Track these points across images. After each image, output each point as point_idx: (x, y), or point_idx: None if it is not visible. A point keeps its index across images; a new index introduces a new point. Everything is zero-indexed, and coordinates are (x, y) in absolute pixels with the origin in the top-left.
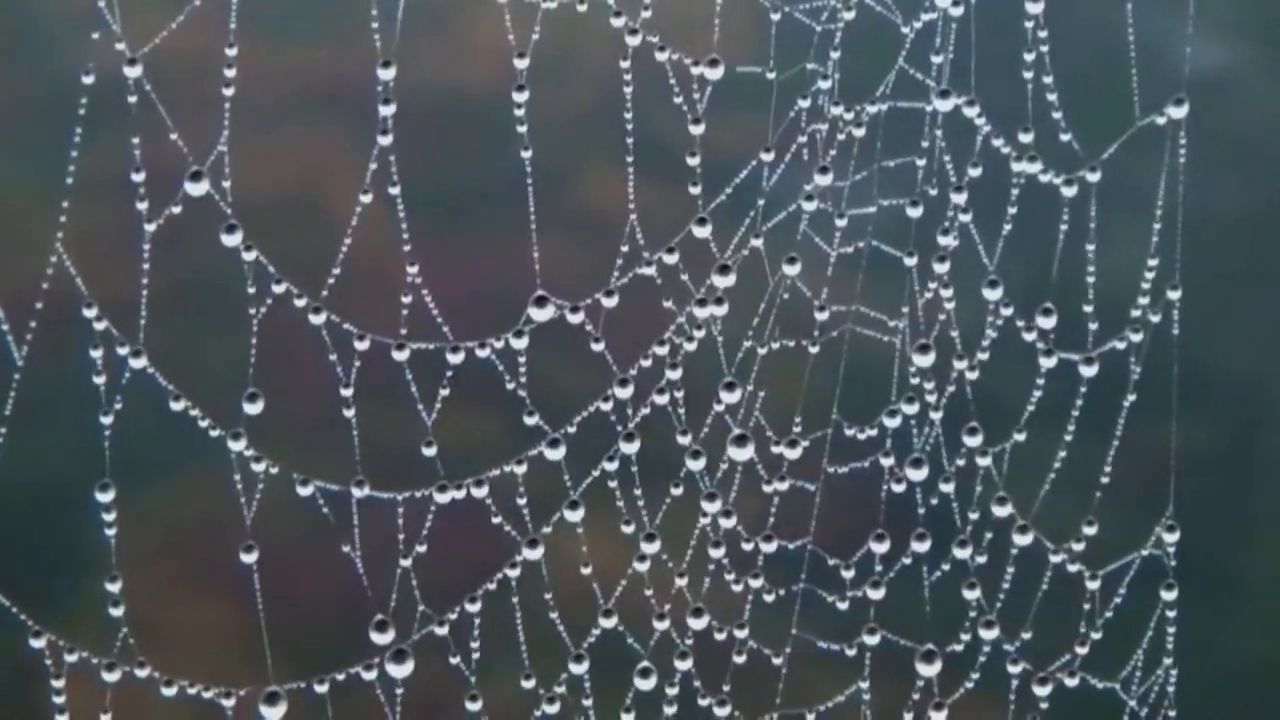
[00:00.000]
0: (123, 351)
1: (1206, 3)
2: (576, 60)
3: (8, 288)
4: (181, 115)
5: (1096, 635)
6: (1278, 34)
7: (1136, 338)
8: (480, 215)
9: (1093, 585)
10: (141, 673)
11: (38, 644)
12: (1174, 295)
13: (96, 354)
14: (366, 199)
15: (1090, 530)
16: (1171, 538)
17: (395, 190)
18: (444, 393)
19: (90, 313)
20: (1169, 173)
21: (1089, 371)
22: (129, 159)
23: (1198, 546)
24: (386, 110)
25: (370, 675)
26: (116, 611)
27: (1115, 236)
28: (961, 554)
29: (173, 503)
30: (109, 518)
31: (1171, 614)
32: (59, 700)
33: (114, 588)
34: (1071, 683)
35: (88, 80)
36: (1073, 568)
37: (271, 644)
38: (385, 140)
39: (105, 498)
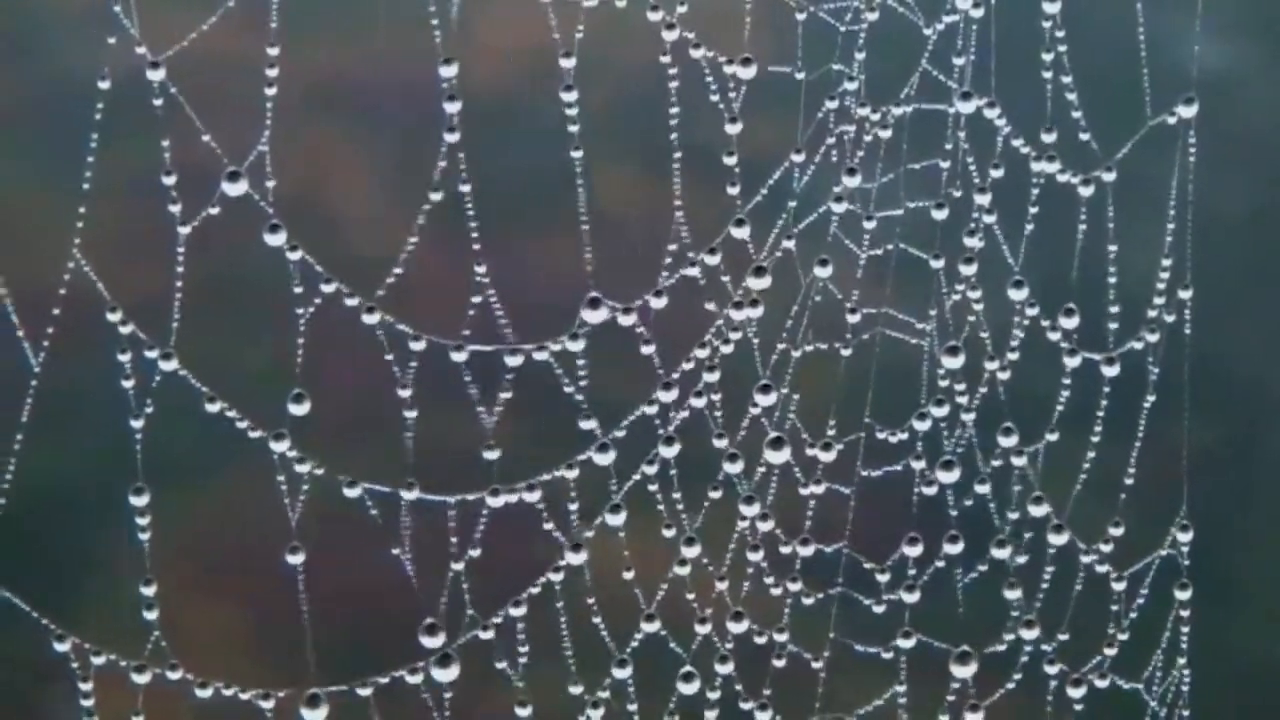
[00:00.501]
0: (152, 354)
1: (1215, 2)
2: (609, 58)
3: (29, 293)
4: (207, 117)
5: (1124, 636)
6: (1267, 34)
7: (1152, 338)
8: (517, 216)
9: (1119, 586)
10: (174, 675)
11: (63, 648)
12: (1185, 295)
13: (125, 358)
14: (437, 197)
15: (1117, 531)
16: (1185, 537)
17: (466, 188)
18: (505, 395)
19: (115, 316)
20: (1180, 171)
21: (1111, 371)
22: (149, 162)
23: (1212, 546)
24: (452, 108)
25: (416, 679)
26: (151, 615)
27: (1128, 236)
28: (999, 554)
29: (213, 505)
30: (143, 521)
31: (1186, 614)
32: (87, 704)
33: (149, 591)
34: (1102, 684)
35: (104, 85)
36: (1101, 568)
37: (309, 646)
38: (452, 138)
39: (140, 501)
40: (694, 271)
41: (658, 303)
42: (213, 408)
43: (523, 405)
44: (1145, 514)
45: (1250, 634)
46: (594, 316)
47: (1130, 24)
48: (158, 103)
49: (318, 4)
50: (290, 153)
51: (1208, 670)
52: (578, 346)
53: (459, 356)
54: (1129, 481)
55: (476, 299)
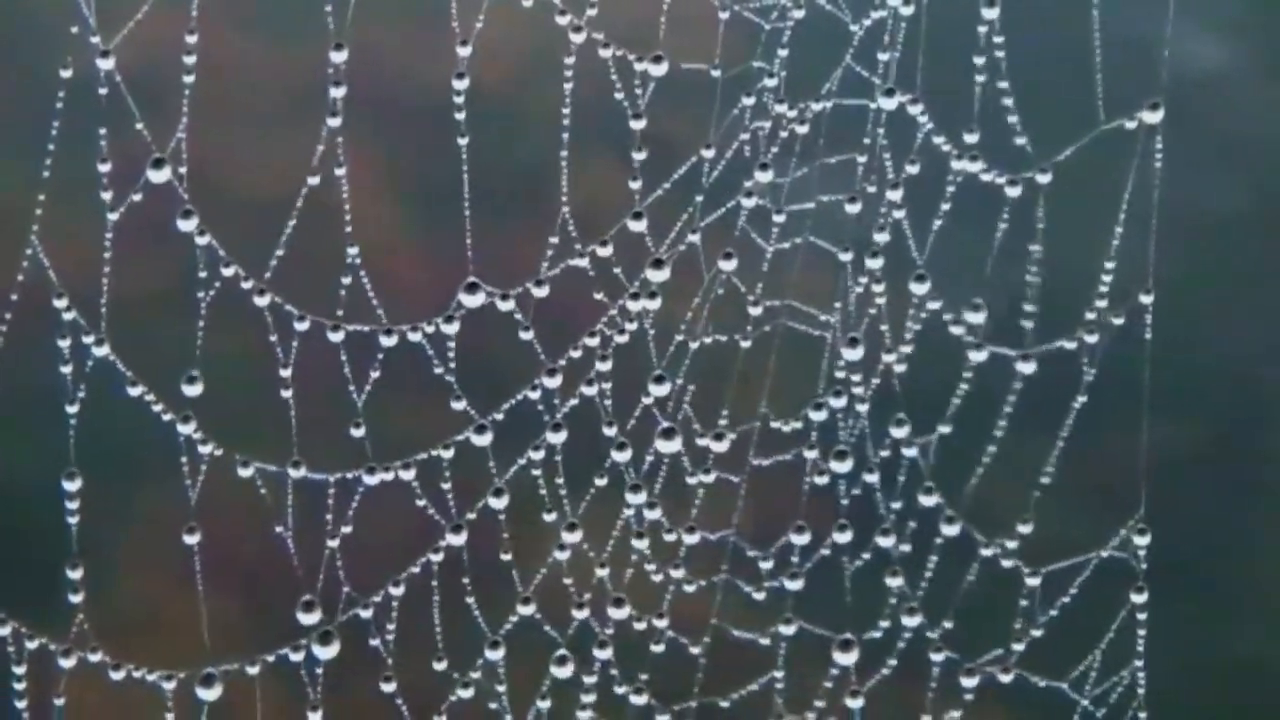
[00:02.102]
0: (88, 340)
1: (1186, 5)
2: (522, 53)
3: None
4: (159, 107)
5: (1037, 632)
6: (1258, 35)
7: (1091, 339)
8: (431, 205)
9: (1033, 582)
10: (94, 658)
11: (2, 631)
12: (1147, 299)
13: (64, 343)
14: (314, 181)
15: (1025, 528)
16: (1142, 540)
17: (341, 172)
18: (375, 375)
19: (61, 303)
20: (1144, 175)
21: (1027, 369)
22: (101, 150)
23: (1172, 548)
24: (337, 92)
25: (297, 657)
26: (76, 598)
27: (1094, 239)
28: (885, 543)
29: (144, 488)
30: (73, 505)
31: (1142, 616)
32: (19, 687)
33: (75, 575)
34: (1005, 679)
35: (66, 74)
36: (1007, 563)
37: (216, 624)
38: (334, 122)
39: (72, 486)
40: (581, 262)
41: (539, 291)
42: (134, 391)
43: (427, 388)
44: (1106, 517)
45: (1218, 635)
46: (472, 301)
47: (1104, 26)
48: (103, 91)
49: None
50: (260, 144)
51: (1172, 671)
52: (452, 329)
53: (336, 336)
54: (1044, 480)
55: (346, 279)
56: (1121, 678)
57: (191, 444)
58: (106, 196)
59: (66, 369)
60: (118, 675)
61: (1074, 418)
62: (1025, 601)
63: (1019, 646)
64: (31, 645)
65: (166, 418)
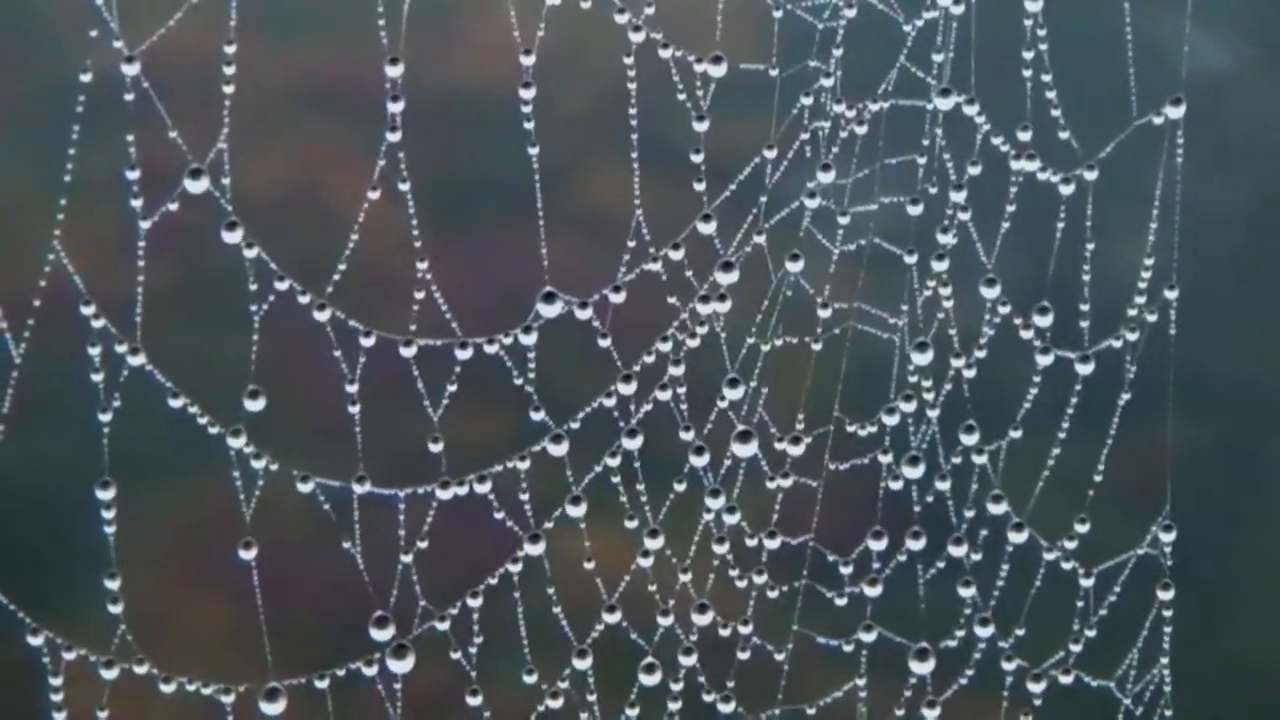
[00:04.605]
0: (121, 349)
1: (1205, 2)
2: (580, 57)
3: (7, 286)
4: (182, 113)
5: (1091, 633)
6: (1276, 33)
7: (1133, 336)
8: (487, 213)
9: (1087, 583)
10: (140, 669)
11: (35, 641)
12: (1171, 295)
13: (95, 351)
14: (374, 195)
15: (1082, 528)
16: (1168, 537)
17: (405, 186)
18: (452, 389)
19: (89, 310)
20: (1167, 172)
21: (1085, 370)
22: (128, 157)
23: (1195, 546)
24: (395, 107)
25: (371, 671)
26: (115, 609)
27: (1115, 235)
28: (957, 552)
29: (179, 500)
30: (109, 515)
31: (1168, 613)
32: (57, 698)
33: (113, 585)
34: (1066, 680)
35: (85, 78)
36: (1066, 565)
37: (276, 641)
38: (394, 137)
39: (105, 495)
40: (655, 267)
41: (616, 298)
42: (176, 403)
43: (488, 399)
44: (1131, 514)
45: (1240, 632)
46: (550, 311)
47: (1122, 25)
48: (129, 97)
49: (290, 5)
50: (292, 150)
51: (1195, 669)
52: (530, 340)
53: (408, 351)
54: (1099, 479)
55: (419, 294)
56: (1152, 675)
57: (243, 457)
58: (137, 204)
59: (98, 377)
60: (168, 688)
61: (1095, 415)
62: (1080, 603)
63: (1076, 647)
64: (69, 656)
65: (214, 431)
